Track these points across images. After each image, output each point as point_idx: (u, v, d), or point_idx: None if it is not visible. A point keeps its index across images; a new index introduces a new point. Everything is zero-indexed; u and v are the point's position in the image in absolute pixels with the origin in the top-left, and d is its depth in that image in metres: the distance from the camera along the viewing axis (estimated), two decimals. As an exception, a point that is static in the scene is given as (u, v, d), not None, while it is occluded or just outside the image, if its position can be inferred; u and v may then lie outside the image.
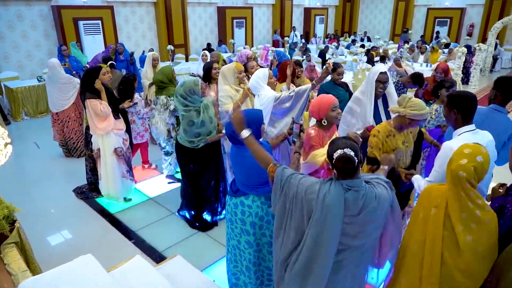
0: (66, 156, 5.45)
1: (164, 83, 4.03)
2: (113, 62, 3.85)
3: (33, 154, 5.58)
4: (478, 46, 10.13)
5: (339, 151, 1.63)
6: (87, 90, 3.56)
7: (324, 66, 3.41)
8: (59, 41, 8.99)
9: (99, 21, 9.50)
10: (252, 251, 2.30)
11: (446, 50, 11.02)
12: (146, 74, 5.62)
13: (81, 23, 9.12)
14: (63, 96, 5.15)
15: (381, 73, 2.91)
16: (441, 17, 16.14)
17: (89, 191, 4.24)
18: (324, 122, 2.51)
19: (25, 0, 8.52)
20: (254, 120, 2.13)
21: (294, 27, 15.19)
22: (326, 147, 2.39)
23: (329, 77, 4.01)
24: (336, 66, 3.93)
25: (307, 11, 16.92)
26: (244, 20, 13.80)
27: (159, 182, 4.61)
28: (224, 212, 3.61)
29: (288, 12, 15.40)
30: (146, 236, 3.50)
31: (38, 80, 7.76)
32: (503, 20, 10.82)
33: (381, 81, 2.92)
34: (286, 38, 14.23)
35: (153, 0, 11.14)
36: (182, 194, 3.67)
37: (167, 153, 4.37)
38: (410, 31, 15.95)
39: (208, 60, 5.92)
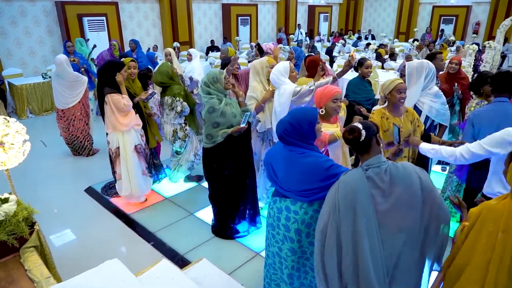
0: (74, 154, 5.29)
1: (164, 82, 3.86)
2: (134, 60, 3.69)
3: (40, 153, 5.39)
4: (488, 43, 9.97)
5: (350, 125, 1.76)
6: (106, 84, 3.34)
7: (347, 60, 3.29)
8: (63, 37, 8.80)
9: (104, 18, 9.32)
10: (296, 258, 2.12)
11: (453, 48, 10.89)
12: None
13: (85, 19, 8.93)
14: (70, 93, 4.97)
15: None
16: (446, 15, 15.97)
17: (111, 189, 4.09)
18: (322, 112, 2.54)
19: (28, -5, 8.35)
20: (305, 119, 1.96)
21: (299, 24, 15.03)
22: (335, 126, 2.59)
23: (356, 73, 3.88)
24: (363, 61, 3.79)
25: (311, 9, 16.79)
26: (249, 17, 13.65)
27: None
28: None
29: (292, 9, 15.24)
30: (166, 238, 3.34)
31: (43, 77, 7.58)
32: (511, 18, 10.67)
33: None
34: (291, 36, 14.07)
35: (158, -3, 10.98)
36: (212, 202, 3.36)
37: (177, 153, 4.17)
38: (415, 30, 15.82)
39: (193, 60, 5.73)
